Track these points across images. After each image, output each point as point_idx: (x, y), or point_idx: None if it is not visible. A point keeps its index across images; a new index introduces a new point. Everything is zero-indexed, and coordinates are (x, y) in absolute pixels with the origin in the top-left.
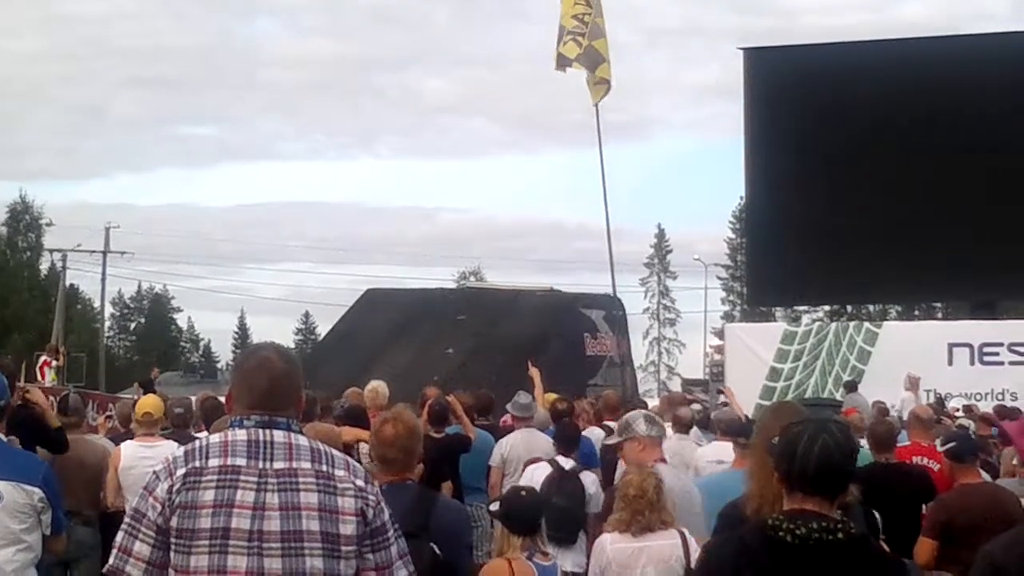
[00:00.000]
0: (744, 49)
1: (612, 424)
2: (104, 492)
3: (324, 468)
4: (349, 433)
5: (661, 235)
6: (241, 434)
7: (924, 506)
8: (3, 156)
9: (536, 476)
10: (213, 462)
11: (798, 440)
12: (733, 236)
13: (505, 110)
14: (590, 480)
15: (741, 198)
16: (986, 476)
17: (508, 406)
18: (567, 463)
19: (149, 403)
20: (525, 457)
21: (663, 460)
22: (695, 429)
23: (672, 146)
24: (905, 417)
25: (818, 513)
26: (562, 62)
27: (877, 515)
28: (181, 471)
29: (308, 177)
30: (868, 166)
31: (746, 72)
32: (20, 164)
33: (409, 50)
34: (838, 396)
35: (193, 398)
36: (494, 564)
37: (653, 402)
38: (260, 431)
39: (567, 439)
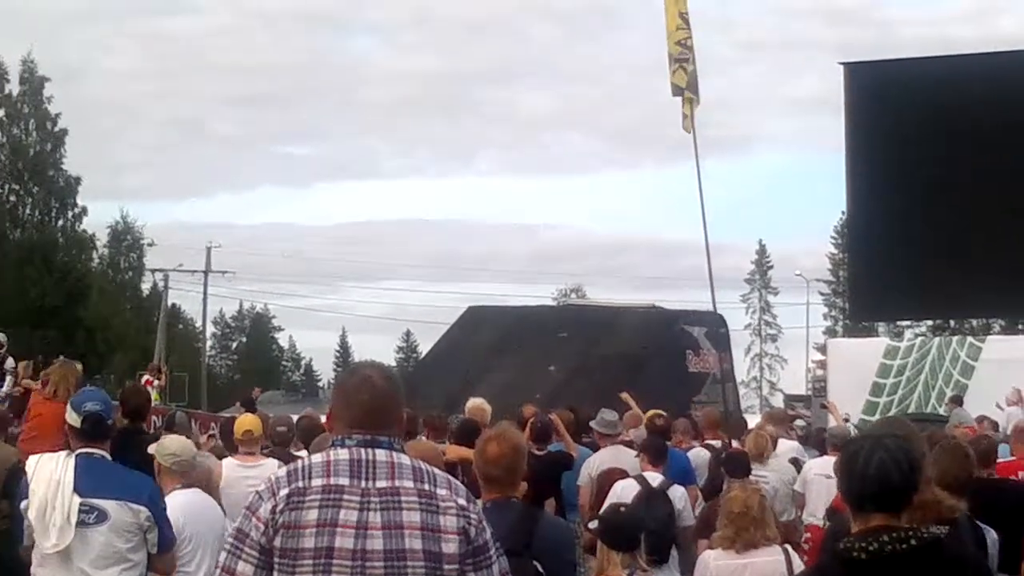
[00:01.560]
0: (845, 64)
1: (714, 442)
2: None
3: (426, 487)
4: (453, 452)
5: (762, 251)
6: (343, 453)
7: None
8: (103, 174)
9: (624, 493)
10: (316, 482)
11: (856, 459)
12: (835, 251)
13: (604, 125)
14: (679, 495)
15: (843, 213)
16: None
17: (593, 424)
18: (655, 479)
19: (248, 421)
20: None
21: None
22: (794, 444)
23: (772, 161)
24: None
25: (888, 527)
26: (676, 92)
27: (987, 529)
28: (284, 491)
29: (408, 194)
30: (970, 179)
31: (847, 86)
32: (119, 183)
33: (508, 65)
34: (942, 411)
35: (294, 417)
36: None
37: (755, 418)
38: (362, 450)
39: (653, 451)
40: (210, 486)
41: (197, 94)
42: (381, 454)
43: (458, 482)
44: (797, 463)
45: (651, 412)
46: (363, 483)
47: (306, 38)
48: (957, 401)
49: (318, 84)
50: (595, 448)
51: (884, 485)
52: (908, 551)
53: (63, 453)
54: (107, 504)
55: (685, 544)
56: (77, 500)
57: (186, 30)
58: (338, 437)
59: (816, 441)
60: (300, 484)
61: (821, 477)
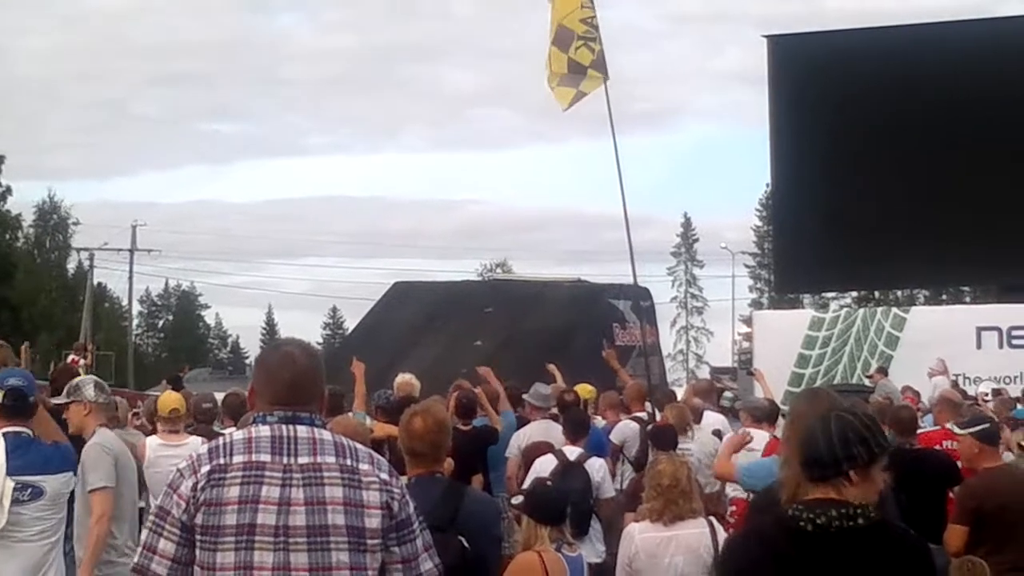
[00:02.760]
0: (768, 37)
1: (641, 414)
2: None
3: (348, 462)
4: (381, 429)
5: (687, 224)
6: (265, 430)
7: (950, 491)
8: (28, 154)
9: (542, 468)
10: (238, 459)
11: (811, 429)
12: (760, 224)
13: (529, 100)
14: (596, 467)
15: (767, 186)
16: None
17: (526, 396)
18: (572, 452)
19: (172, 399)
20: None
21: None
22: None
23: (698, 134)
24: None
25: (837, 500)
26: (575, 69)
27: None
28: (205, 468)
29: (333, 172)
30: (894, 152)
31: (771, 59)
32: (44, 162)
33: (432, 42)
34: (867, 382)
35: (219, 394)
36: (524, 557)
37: (682, 391)
38: (284, 427)
39: (573, 426)
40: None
41: (119, 74)
42: (303, 430)
43: (381, 457)
44: (720, 435)
45: (587, 388)
46: (285, 459)
47: (229, 16)
48: (883, 372)
49: (241, 62)
50: (523, 422)
51: (812, 458)
52: (854, 528)
53: None
54: (40, 479)
55: (605, 516)
56: (10, 484)
57: (109, 9)
58: (259, 413)
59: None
60: (221, 461)
61: (744, 451)
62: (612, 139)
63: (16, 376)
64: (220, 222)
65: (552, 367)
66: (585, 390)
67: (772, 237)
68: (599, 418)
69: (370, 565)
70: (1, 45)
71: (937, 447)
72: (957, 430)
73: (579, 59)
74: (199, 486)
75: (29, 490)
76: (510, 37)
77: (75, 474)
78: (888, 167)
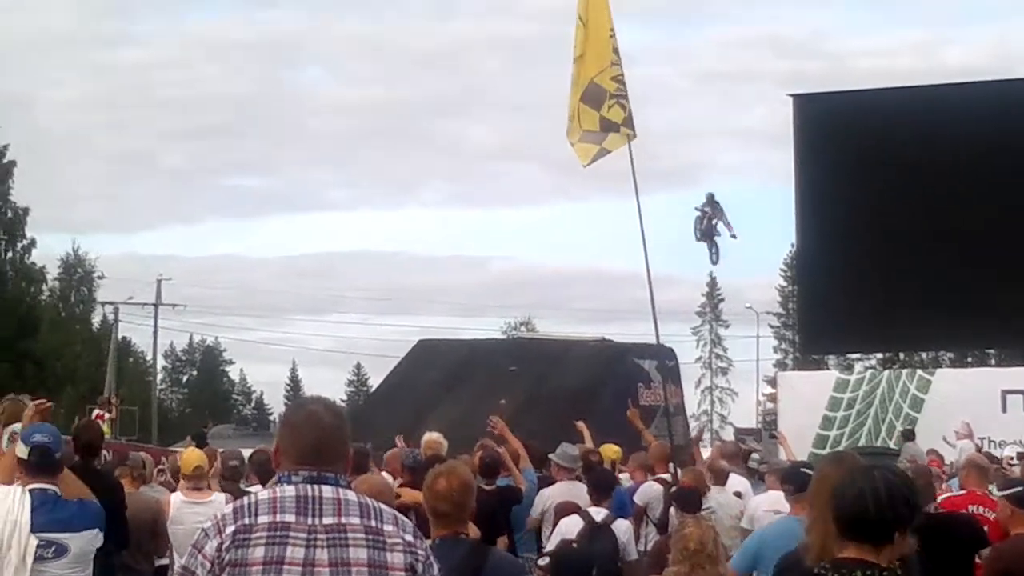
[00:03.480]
0: (793, 96)
1: (665, 476)
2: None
3: (373, 523)
4: (408, 495)
5: (712, 283)
6: (290, 490)
7: (977, 555)
8: (53, 207)
9: (568, 529)
10: (262, 519)
11: (843, 488)
12: (784, 284)
13: (553, 157)
14: (622, 529)
15: (792, 245)
16: None
17: (553, 456)
18: (598, 514)
19: (195, 457)
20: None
21: None
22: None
23: (723, 192)
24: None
25: (863, 560)
26: (608, 127)
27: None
28: (230, 528)
29: (357, 226)
30: (919, 212)
31: (796, 118)
32: (69, 215)
33: (456, 96)
34: (892, 444)
35: (246, 451)
36: None
37: (706, 451)
38: (308, 487)
39: (598, 487)
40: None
41: (146, 126)
42: (327, 490)
43: (405, 518)
44: (740, 496)
45: (612, 448)
46: (309, 520)
47: (254, 69)
48: (909, 436)
49: (266, 115)
50: (548, 482)
51: (859, 516)
52: None
53: (16, 488)
54: (66, 537)
55: None
56: (34, 541)
57: (135, 62)
58: (284, 473)
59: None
60: (246, 521)
61: (770, 513)
62: (635, 197)
63: (42, 432)
64: (245, 276)
65: (581, 425)
66: (611, 450)
67: (797, 297)
68: (626, 475)
69: None
70: (29, 95)
71: (964, 511)
72: (995, 492)
73: (612, 117)
74: (224, 547)
75: (53, 547)
76: (534, 92)
77: (102, 531)
78: (914, 227)
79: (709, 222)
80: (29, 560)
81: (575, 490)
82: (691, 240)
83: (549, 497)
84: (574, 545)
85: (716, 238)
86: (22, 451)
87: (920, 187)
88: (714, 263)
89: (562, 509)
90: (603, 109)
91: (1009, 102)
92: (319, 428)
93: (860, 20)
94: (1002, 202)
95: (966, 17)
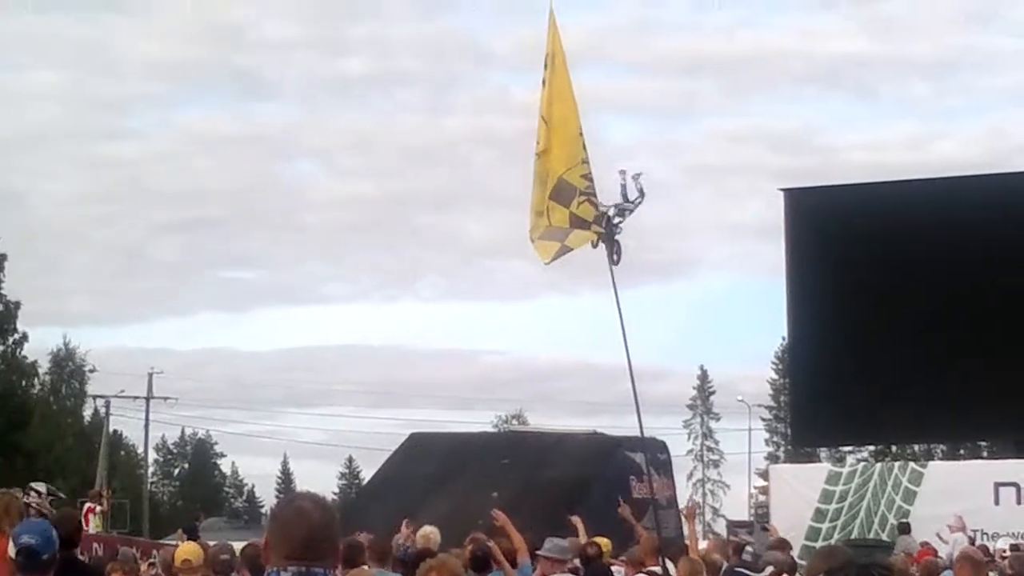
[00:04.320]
0: (785, 190)
1: (656, 569)
2: None
3: None
4: None
5: (704, 376)
6: None
7: None
8: (44, 300)
9: None
10: None
11: None
12: (776, 377)
13: None
14: None
15: (783, 338)
16: None
17: (543, 551)
18: None
19: (187, 551)
20: None
21: None
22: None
23: (714, 285)
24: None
25: None
26: (576, 223)
27: None
28: None
29: (350, 320)
30: (912, 305)
31: (787, 212)
32: (60, 307)
33: (449, 191)
34: (885, 537)
35: (237, 544)
36: None
37: (701, 544)
38: None
39: None
40: None
41: (138, 219)
42: None
43: None
44: None
45: (605, 541)
46: None
47: (247, 164)
48: (904, 529)
49: (259, 209)
50: None
51: None
52: None
53: None
54: None
55: None
56: None
57: (128, 155)
58: (273, 569)
59: None
60: None
61: None
62: (614, 292)
63: (30, 532)
64: (236, 370)
65: (576, 519)
66: (601, 543)
67: (788, 390)
68: (619, 569)
69: None
70: (22, 188)
71: None
72: None
73: (582, 214)
74: None
75: None
76: (525, 187)
77: None
78: (905, 320)
79: (620, 215)
80: None
81: None
82: (683, 332)
83: None
84: None
85: (617, 237)
86: (12, 551)
87: (912, 280)
88: (615, 264)
89: None
90: (572, 206)
91: (1002, 195)
92: (308, 523)
93: (853, 114)
94: (994, 295)
95: (958, 111)
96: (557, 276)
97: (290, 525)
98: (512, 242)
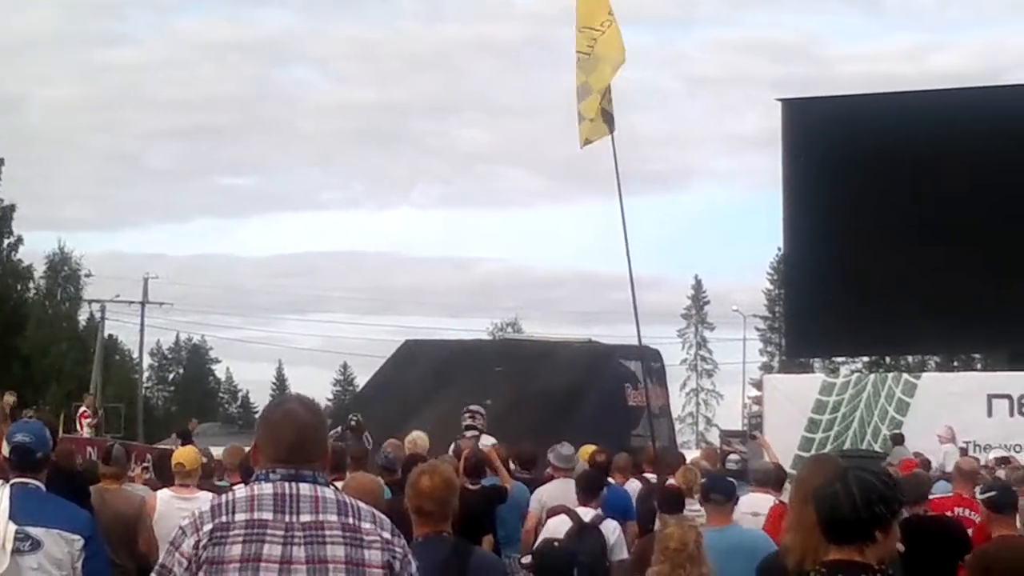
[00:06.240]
0: (782, 100)
1: (651, 476)
2: (142, 542)
3: (351, 521)
4: None
5: (698, 286)
6: (267, 488)
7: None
8: (40, 205)
9: (556, 528)
10: (240, 517)
11: (832, 491)
12: (771, 287)
13: (542, 159)
14: (610, 529)
15: (779, 249)
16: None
17: (550, 456)
18: (587, 514)
19: (183, 454)
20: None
21: None
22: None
23: (710, 196)
24: (948, 468)
25: (853, 562)
26: (605, 118)
27: None
28: (208, 526)
29: (345, 227)
30: (906, 217)
31: (784, 123)
32: (56, 213)
33: (446, 98)
34: (878, 447)
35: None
36: None
37: (691, 454)
38: (286, 484)
39: (586, 488)
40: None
41: (133, 125)
42: (305, 488)
43: (383, 515)
44: None
45: (590, 448)
46: (287, 517)
47: (244, 70)
48: (898, 439)
49: (255, 116)
50: (536, 482)
51: (835, 517)
52: None
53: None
54: (40, 532)
55: None
56: (12, 528)
57: (125, 61)
58: (262, 471)
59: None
60: (224, 519)
61: (748, 515)
62: (619, 199)
63: (24, 431)
64: (231, 276)
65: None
66: (591, 451)
67: (783, 301)
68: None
69: None
70: (19, 94)
71: (948, 514)
72: (978, 495)
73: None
74: (201, 544)
75: (29, 541)
76: (525, 96)
77: (85, 540)
78: (900, 232)
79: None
80: (8, 547)
81: (569, 489)
82: (678, 242)
83: (545, 493)
84: (555, 544)
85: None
86: (5, 449)
87: (907, 191)
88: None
89: (552, 510)
90: (603, 102)
91: (997, 108)
92: (297, 426)
93: (852, 25)
94: (989, 206)
95: (956, 23)
96: (554, 185)
97: (279, 428)
98: (509, 150)
